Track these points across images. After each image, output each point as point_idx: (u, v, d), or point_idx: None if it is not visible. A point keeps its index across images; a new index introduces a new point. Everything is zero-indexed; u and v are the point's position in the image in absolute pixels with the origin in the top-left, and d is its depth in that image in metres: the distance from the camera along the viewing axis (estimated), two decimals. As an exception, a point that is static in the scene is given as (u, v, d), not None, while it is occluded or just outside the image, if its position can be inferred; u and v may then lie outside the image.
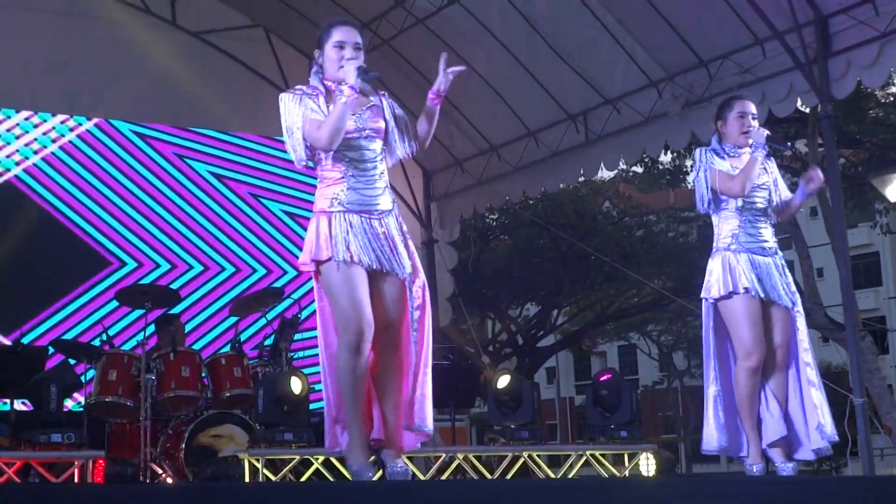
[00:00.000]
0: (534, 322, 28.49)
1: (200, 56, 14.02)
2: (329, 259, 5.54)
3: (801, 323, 6.87)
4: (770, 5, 10.85)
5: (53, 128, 13.13)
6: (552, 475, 10.16)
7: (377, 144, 5.72)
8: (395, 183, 15.13)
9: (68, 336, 12.19)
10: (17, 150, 12.85)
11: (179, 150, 13.80)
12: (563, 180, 14.28)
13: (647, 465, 10.24)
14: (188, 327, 12.87)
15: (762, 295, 6.69)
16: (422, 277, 5.84)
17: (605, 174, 21.34)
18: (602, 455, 10.29)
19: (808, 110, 14.12)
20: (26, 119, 12.99)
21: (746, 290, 6.67)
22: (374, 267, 5.59)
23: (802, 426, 6.84)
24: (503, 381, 10.69)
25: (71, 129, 13.23)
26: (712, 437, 6.83)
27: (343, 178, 5.61)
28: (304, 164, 5.62)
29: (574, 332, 30.58)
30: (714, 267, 6.83)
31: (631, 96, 12.64)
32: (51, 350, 10.34)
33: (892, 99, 19.55)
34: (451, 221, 15.60)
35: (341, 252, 5.52)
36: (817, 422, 6.79)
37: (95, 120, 13.32)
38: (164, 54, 13.81)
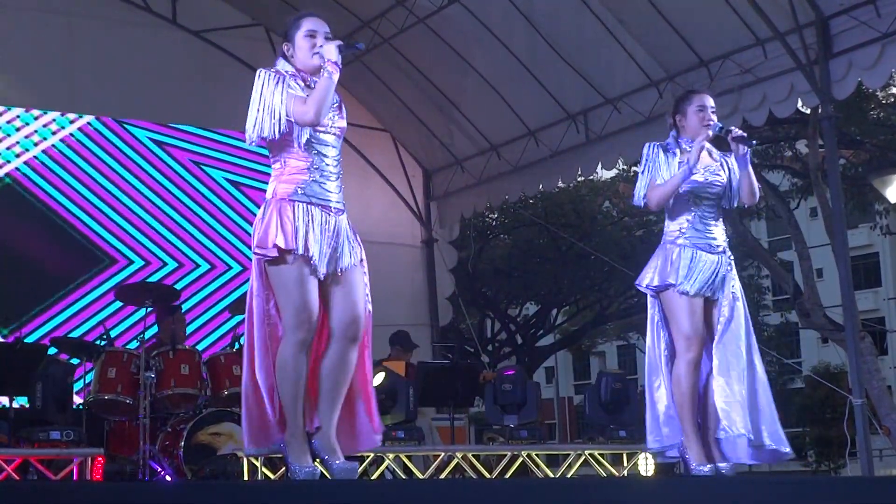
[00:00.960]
0: (533, 321, 28.50)
1: (201, 54, 14.03)
2: (290, 250, 5.48)
3: (744, 327, 6.73)
4: (771, 6, 10.86)
5: (54, 120, 13.12)
6: (551, 475, 10.16)
7: (338, 143, 5.73)
8: (394, 182, 15.28)
9: (73, 334, 12.19)
10: (18, 143, 12.84)
11: (182, 148, 13.80)
12: (562, 179, 14.27)
13: (646, 464, 10.25)
14: (194, 325, 12.89)
15: (697, 292, 6.64)
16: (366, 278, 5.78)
17: (605, 174, 21.36)
18: (601, 455, 10.30)
19: (808, 111, 14.12)
20: (26, 111, 12.99)
21: (682, 284, 6.63)
22: (328, 267, 5.55)
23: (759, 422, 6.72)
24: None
25: (72, 122, 13.22)
26: (651, 437, 6.79)
27: (308, 169, 5.58)
28: (256, 140, 5.57)
29: (573, 332, 30.61)
30: (655, 257, 6.83)
31: (631, 96, 12.64)
32: (51, 348, 10.35)
33: (892, 100, 19.54)
34: (451, 221, 15.61)
35: (301, 245, 5.48)
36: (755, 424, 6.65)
37: (90, 117, 13.31)
38: (165, 53, 13.82)
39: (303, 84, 5.64)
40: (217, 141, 13.98)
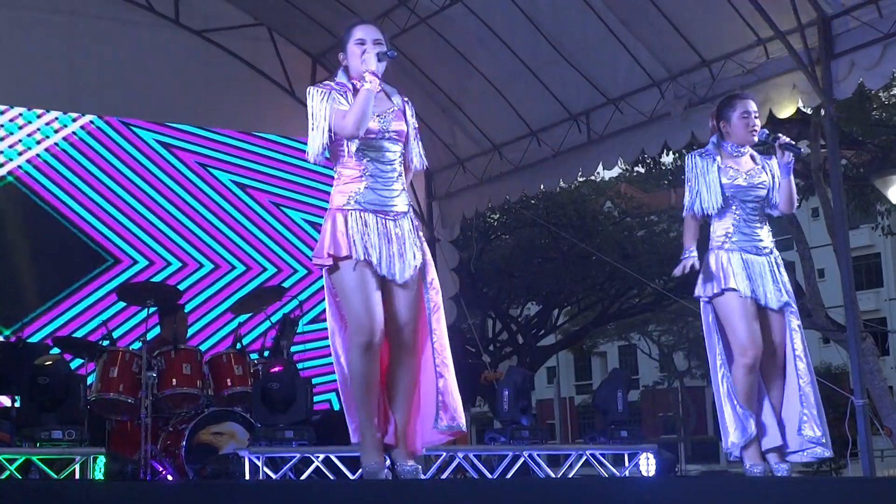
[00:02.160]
0: (534, 321, 28.51)
1: (203, 54, 14.03)
2: (346, 257, 5.58)
3: (795, 324, 6.85)
4: (773, 6, 10.85)
5: (56, 118, 13.13)
6: (552, 475, 10.16)
7: (398, 147, 5.79)
8: (396, 181, 15.25)
9: (77, 334, 12.20)
10: (20, 141, 12.85)
11: (187, 149, 13.81)
12: (563, 179, 14.26)
13: (647, 465, 10.25)
14: (197, 325, 12.89)
15: (751, 295, 6.70)
16: (435, 279, 5.87)
17: (606, 173, 21.37)
18: (602, 455, 10.30)
19: (810, 111, 14.12)
20: (28, 110, 13.01)
21: (735, 289, 6.68)
22: (383, 272, 5.62)
23: (795, 430, 6.81)
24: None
25: (74, 120, 13.24)
26: (735, 433, 6.74)
27: (362, 176, 5.67)
28: (319, 158, 5.66)
29: (575, 332, 30.61)
30: (707, 265, 6.85)
31: (633, 96, 12.63)
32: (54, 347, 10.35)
33: (894, 100, 19.54)
34: (453, 220, 15.61)
35: (359, 251, 5.57)
36: (805, 425, 6.73)
37: (93, 116, 13.32)
38: (167, 52, 13.83)
39: (353, 95, 5.70)
40: (221, 142, 13.98)
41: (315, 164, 5.75)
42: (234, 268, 13.80)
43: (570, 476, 10.03)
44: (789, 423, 6.80)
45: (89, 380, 9.63)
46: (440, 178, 15.40)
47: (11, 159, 12.79)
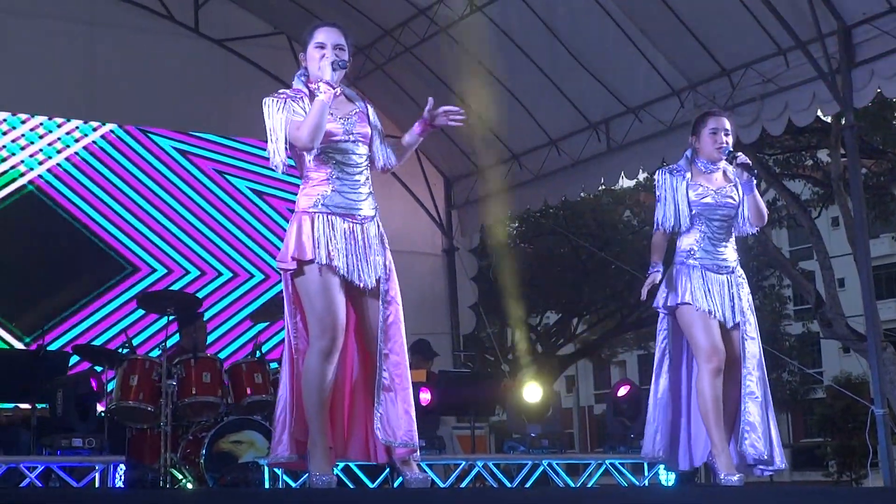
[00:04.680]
0: (554, 330, 28.46)
1: (223, 63, 14.08)
2: (310, 261, 5.53)
3: (749, 341, 6.84)
4: (793, 15, 10.84)
5: (77, 127, 13.19)
6: (571, 484, 10.14)
7: (363, 149, 5.73)
8: (416, 190, 15.29)
9: (97, 342, 12.23)
10: (41, 150, 12.90)
11: (206, 157, 13.85)
12: (584, 189, 14.25)
13: (667, 475, 10.22)
14: (216, 333, 12.91)
15: (709, 310, 6.75)
16: (397, 292, 5.76)
17: (626, 183, 21.31)
18: (621, 464, 10.28)
19: (829, 120, 14.09)
20: (49, 119, 13.06)
21: (691, 304, 6.76)
22: (348, 276, 5.57)
23: (737, 445, 6.81)
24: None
25: (94, 129, 13.29)
26: (652, 440, 6.87)
27: (328, 180, 5.62)
28: (283, 167, 5.58)
29: (594, 341, 30.53)
30: (668, 277, 6.96)
31: (653, 105, 12.63)
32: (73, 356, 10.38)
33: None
34: (472, 229, 15.62)
35: (323, 255, 5.52)
36: (745, 441, 6.73)
37: (113, 125, 13.36)
38: (187, 61, 13.89)
39: (309, 102, 5.65)
40: (240, 150, 14.03)
41: (281, 173, 5.66)
42: (252, 276, 13.83)
43: (590, 485, 10.01)
44: (734, 439, 6.82)
45: (109, 387, 9.65)
46: (459, 187, 15.41)
47: (32, 168, 12.84)
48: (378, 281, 5.67)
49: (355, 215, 5.64)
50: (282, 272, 5.68)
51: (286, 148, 5.56)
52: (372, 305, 5.68)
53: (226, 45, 14.13)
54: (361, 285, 5.61)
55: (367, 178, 5.74)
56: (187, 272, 13.49)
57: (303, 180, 5.70)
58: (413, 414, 5.71)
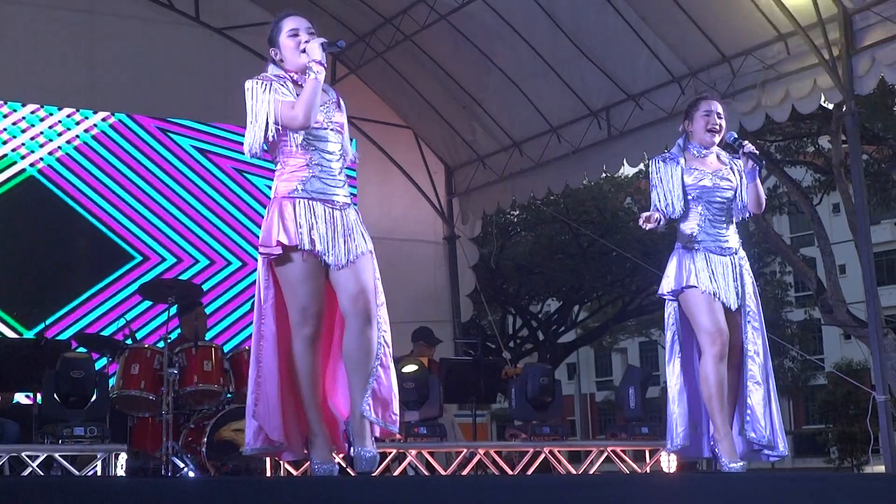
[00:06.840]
0: (555, 318, 28.49)
1: (223, 52, 14.06)
2: (293, 247, 5.51)
3: (751, 325, 6.85)
4: (794, 1, 10.82)
5: (77, 110, 13.16)
6: (573, 471, 10.15)
7: (339, 138, 5.73)
8: (416, 178, 15.28)
9: (103, 332, 12.20)
10: (42, 133, 12.87)
11: (203, 145, 13.83)
12: (586, 176, 14.24)
13: (669, 461, 10.23)
14: (224, 323, 12.90)
15: (713, 293, 6.75)
16: (378, 282, 5.71)
17: (627, 170, 21.32)
18: (623, 451, 10.29)
19: (831, 106, 14.08)
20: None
21: (696, 286, 6.76)
22: (330, 260, 5.54)
23: (737, 431, 6.81)
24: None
25: (95, 112, 13.26)
26: (673, 433, 6.83)
27: (307, 166, 5.60)
28: (258, 151, 5.55)
29: (595, 329, 30.57)
30: (670, 263, 6.99)
31: (653, 92, 12.62)
32: (75, 345, 10.36)
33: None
34: (473, 217, 15.61)
35: (306, 241, 5.50)
36: (746, 426, 6.75)
37: (105, 114, 13.34)
38: (187, 50, 13.88)
39: (292, 86, 5.65)
40: (237, 141, 13.99)
41: (252, 157, 5.62)
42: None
43: (591, 472, 10.02)
44: (735, 425, 6.82)
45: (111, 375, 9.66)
46: (460, 175, 15.40)
47: (33, 151, 12.79)
48: (365, 253, 5.63)
49: (334, 201, 5.63)
50: (260, 257, 5.63)
51: (277, 131, 5.53)
52: (353, 271, 5.57)
53: (226, 34, 14.11)
54: (344, 261, 5.56)
55: (343, 168, 5.73)
56: (196, 261, 13.44)
57: (279, 166, 5.67)
58: (397, 393, 5.68)
